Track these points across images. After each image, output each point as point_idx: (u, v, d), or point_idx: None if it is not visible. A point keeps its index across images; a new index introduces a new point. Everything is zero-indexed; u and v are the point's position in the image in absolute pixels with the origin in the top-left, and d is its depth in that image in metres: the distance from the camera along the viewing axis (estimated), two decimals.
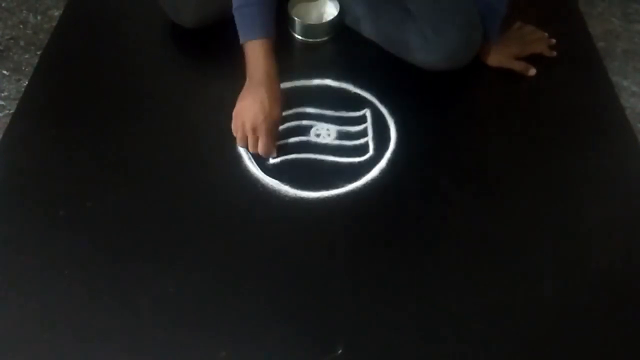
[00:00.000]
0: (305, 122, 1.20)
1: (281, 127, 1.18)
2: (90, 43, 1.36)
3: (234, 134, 1.11)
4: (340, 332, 0.94)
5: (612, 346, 0.94)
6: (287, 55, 1.34)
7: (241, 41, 1.09)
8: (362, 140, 1.18)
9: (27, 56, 1.38)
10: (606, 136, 1.21)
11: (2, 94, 1.30)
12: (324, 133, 1.19)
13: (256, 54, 1.08)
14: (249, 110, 1.07)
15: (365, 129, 1.19)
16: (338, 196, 1.09)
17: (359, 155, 1.15)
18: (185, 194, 1.09)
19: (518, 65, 1.27)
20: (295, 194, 1.09)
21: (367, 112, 1.22)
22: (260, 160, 1.13)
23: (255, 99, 1.07)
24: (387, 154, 1.15)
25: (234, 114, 1.10)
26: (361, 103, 1.23)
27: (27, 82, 1.29)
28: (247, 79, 1.10)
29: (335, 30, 1.35)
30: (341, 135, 1.18)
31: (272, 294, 0.97)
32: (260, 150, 1.10)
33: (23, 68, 1.35)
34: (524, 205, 1.09)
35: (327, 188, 1.10)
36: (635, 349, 0.93)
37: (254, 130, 1.08)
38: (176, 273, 0.99)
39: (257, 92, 1.07)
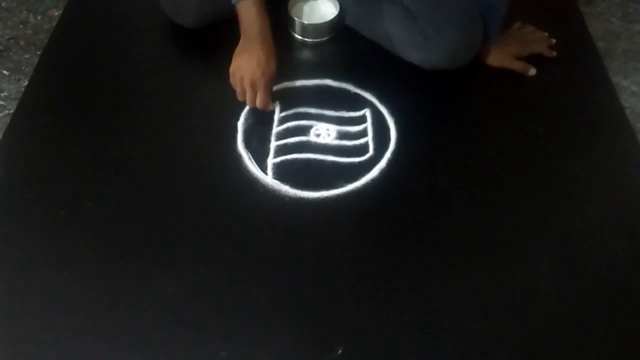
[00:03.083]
0: (305, 122, 1.20)
1: (281, 127, 1.19)
2: (90, 43, 1.36)
3: (234, 88, 1.15)
4: (340, 332, 0.94)
5: (612, 346, 0.94)
6: (287, 55, 1.34)
7: (233, 1, 1.13)
8: (362, 140, 1.18)
9: (27, 56, 1.37)
10: (606, 136, 1.21)
11: (2, 94, 1.30)
12: (324, 133, 1.19)
13: (249, 12, 1.12)
14: (247, 66, 1.12)
15: (365, 129, 1.19)
16: (338, 196, 1.09)
17: (359, 155, 1.15)
18: (185, 194, 1.09)
19: (518, 65, 1.27)
20: (295, 194, 1.09)
21: (367, 112, 1.22)
22: (260, 160, 1.13)
23: (252, 55, 1.12)
24: (387, 154, 1.15)
25: (231, 70, 1.15)
26: (361, 103, 1.23)
27: (27, 82, 1.29)
28: (242, 37, 1.15)
29: (335, 30, 1.35)
30: (341, 135, 1.19)
31: (272, 294, 0.97)
32: (259, 104, 1.15)
33: (23, 68, 1.35)
34: (524, 205, 1.09)
35: (327, 188, 1.10)
36: (635, 349, 0.94)
37: (253, 85, 1.13)
38: (176, 273, 0.99)
39: (253, 48, 1.12)
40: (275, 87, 1.22)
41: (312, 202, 1.08)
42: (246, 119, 1.19)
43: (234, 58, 1.15)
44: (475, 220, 1.07)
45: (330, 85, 1.27)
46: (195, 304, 0.96)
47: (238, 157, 1.14)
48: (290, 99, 1.23)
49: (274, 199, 1.08)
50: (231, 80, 1.16)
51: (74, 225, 1.05)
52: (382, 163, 1.14)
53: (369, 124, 1.20)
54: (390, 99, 1.24)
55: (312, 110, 1.22)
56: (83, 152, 1.15)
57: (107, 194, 1.09)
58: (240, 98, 1.17)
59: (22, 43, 1.41)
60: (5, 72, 1.34)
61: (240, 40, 1.15)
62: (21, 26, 1.45)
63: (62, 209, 1.07)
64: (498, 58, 1.27)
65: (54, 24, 1.42)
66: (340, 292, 0.98)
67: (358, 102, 1.24)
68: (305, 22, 1.32)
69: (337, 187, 1.10)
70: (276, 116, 1.20)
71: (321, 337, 0.93)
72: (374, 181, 1.11)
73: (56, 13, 1.46)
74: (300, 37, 1.35)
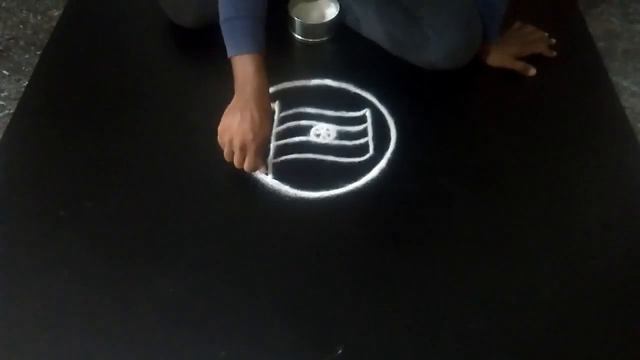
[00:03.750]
0: (305, 122, 1.20)
1: (281, 127, 1.19)
2: (90, 43, 1.36)
3: (221, 147, 1.08)
4: (340, 332, 0.94)
5: (612, 346, 0.94)
6: (287, 55, 1.34)
7: (229, 55, 1.05)
8: (362, 140, 1.18)
9: (27, 56, 1.37)
10: (606, 136, 1.21)
11: (2, 94, 1.29)
12: (324, 133, 1.19)
13: (247, 69, 1.04)
14: (238, 127, 1.04)
15: (365, 129, 1.19)
16: (338, 196, 1.09)
17: (359, 155, 1.15)
18: (185, 194, 1.09)
19: (518, 65, 1.27)
20: (295, 194, 1.09)
21: (367, 112, 1.22)
22: None
23: (244, 116, 1.03)
24: (387, 154, 1.15)
25: (220, 128, 1.07)
26: (361, 103, 1.23)
27: (27, 82, 1.29)
28: (236, 94, 1.06)
29: (335, 30, 1.35)
30: (341, 135, 1.19)
31: (272, 294, 0.97)
32: (247, 167, 1.07)
33: (23, 68, 1.35)
34: (524, 205, 1.09)
35: (327, 188, 1.10)
36: (635, 349, 0.94)
37: (242, 148, 1.05)
38: (176, 273, 0.99)
39: (246, 109, 1.04)
40: (275, 87, 1.23)
41: (312, 202, 1.08)
42: None
43: (224, 116, 1.07)
44: (475, 220, 1.07)
45: (330, 85, 1.27)
46: (195, 304, 0.96)
47: None
48: (290, 99, 1.23)
49: (274, 199, 1.08)
50: (219, 139, 1.07)
51: (74, 225, 1.05)
52: (382, 163, 1.14)
53: (369, 124, 1.20)
54: (390, 99, 1.24)
55: (312, 110, 1.22)
56: (83, 152, 1.15)
57: (107, 194, 1.09)
58: (227, 159, 1.07)
59: (22, 43, 1.41)
60: (5, 72, 1.34)
61: (234, 97, 1.07)
62: (21, 26, 1.45)
63: (62, 209, 1.07)
64: (498, 58, 1.27)
65: (54, 24, 1.42)
66: (340, 292, 0.98)
67: (358, 102, 1.24)
68: (305, 22, 1.32)
69: (337, 187, 1.10)
70: (276, 116, 1.20)
71: (321, 337, 0.93)
72: (374, 181, 1.11)
73: (56, 13, 1.46)
74: (300, 37, 1.35)
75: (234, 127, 1.04)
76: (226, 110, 1.07)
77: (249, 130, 1.04)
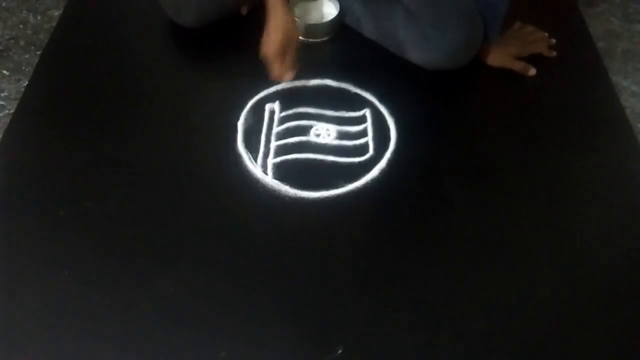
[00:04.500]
0: (305, 122, 1.20)
1: (281, 127, 1.19)
2: (90, 43, 1.36)
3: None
4: (340, 332, 0.94)
5: (612, 346, 0.94)
6: None
7: None
8: (362, 140, 1.18)
9: (27, 56, 1.38)
10: (606, 136, 1.21)
11: (2, 94, 1.30)
12: (324, 133, 1.19)
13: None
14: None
15: (365, 129, 1.19)
16: (338, 196, 1.09)
17: (359, 155, 1.15)
18: (185, 194, 1.09)
19: (518, 65, 1.27)
20: (295, 194, 1.09)
21: (367, 112, 1.22)
22: (260, 160, 1.13)
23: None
24: (387, 154, 1.15)
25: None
26: (361, 103, 1.23)
27: (27, 82, 1.29)
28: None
29: (335, 30, 1.35)
30: (341, 135, 1.18)
31: (272, 294, 0.97)
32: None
33: (23, 68, 1.35)
34: (524, 205, 1.09)
35: (327, 188, 1.10)
36: (635, 349, 0.94)
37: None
38: (176, 273, 0.99)
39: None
40: (275, 87, 1.23)
41: (312, 202, 1.08)
42: (246, 119, 1.20)
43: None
44: (475, 220, 1.07)
45: (330, 85, 1.27)
46: (195, 304, 0.96)
47: (238, 157, 1.14)
48: (290, 99, 1.23)
49: (274, 199, 1.08)
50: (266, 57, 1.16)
51: (74, 225, 1.05)
52: (382, 163, 1.14)
53: (369, 124, 1.20)
54: (390, 99, 1.23)
55: (312, 110, 1.22)
56: (83, 152, 1.15)
57: (107, 194, 1.09)
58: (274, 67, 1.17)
59: (22, 43, 1.41)
60: (5, 72, 1.35)
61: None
62: (21, 26, 1.45)
63: (62, 209, 1.07)
64: (498, 58, 1.27)
65: (54, 24, 1.42)
66: (340, 292, 0.98)
67: (358, 102, 1.23)
68: (306, 22, 1.32)
69: (337, 187, 1.10)
70: (276, 116, 1.20)
71: (321, 337, 0.93)
72: (374, 181, 1.11)
73: (56, 13, 1.46)
74: (300, 37, 1.35)
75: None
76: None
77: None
